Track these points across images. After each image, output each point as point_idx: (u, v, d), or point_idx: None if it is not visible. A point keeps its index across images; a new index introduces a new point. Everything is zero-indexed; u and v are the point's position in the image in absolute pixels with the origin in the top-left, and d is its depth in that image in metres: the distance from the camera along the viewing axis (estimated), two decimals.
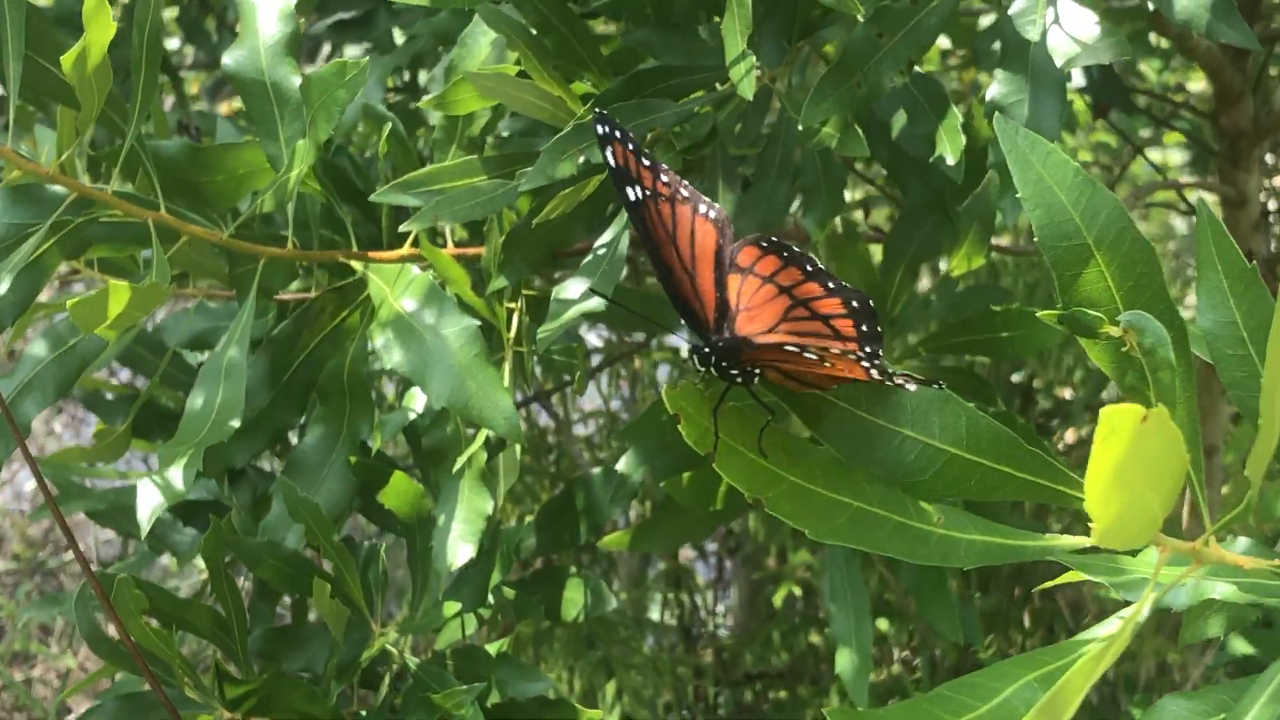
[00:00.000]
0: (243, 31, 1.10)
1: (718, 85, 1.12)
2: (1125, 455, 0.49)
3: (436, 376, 1.07)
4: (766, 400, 0.70)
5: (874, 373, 0.62)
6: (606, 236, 1.12)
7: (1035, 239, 0.63)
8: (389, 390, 1.88)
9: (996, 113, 0.65)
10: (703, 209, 0.76)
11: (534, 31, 1.09)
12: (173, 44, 2.26)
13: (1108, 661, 0.54)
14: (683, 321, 0.75)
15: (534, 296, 1.24)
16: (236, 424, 1.04)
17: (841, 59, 1.02)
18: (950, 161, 1.06)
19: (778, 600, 2.16)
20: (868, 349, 0.69)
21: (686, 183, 0.76)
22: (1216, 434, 1.57)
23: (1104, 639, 0.56)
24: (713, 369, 0.69)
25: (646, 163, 0.74)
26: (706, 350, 0.69)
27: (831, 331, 0.71)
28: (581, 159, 1.07)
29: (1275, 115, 1.45)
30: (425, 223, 1.11)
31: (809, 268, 0.73)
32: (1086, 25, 0.98)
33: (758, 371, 0.69)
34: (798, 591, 2.18)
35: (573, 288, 1.10)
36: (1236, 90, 1.41)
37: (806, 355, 0.62)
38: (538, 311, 1.23)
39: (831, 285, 0.72)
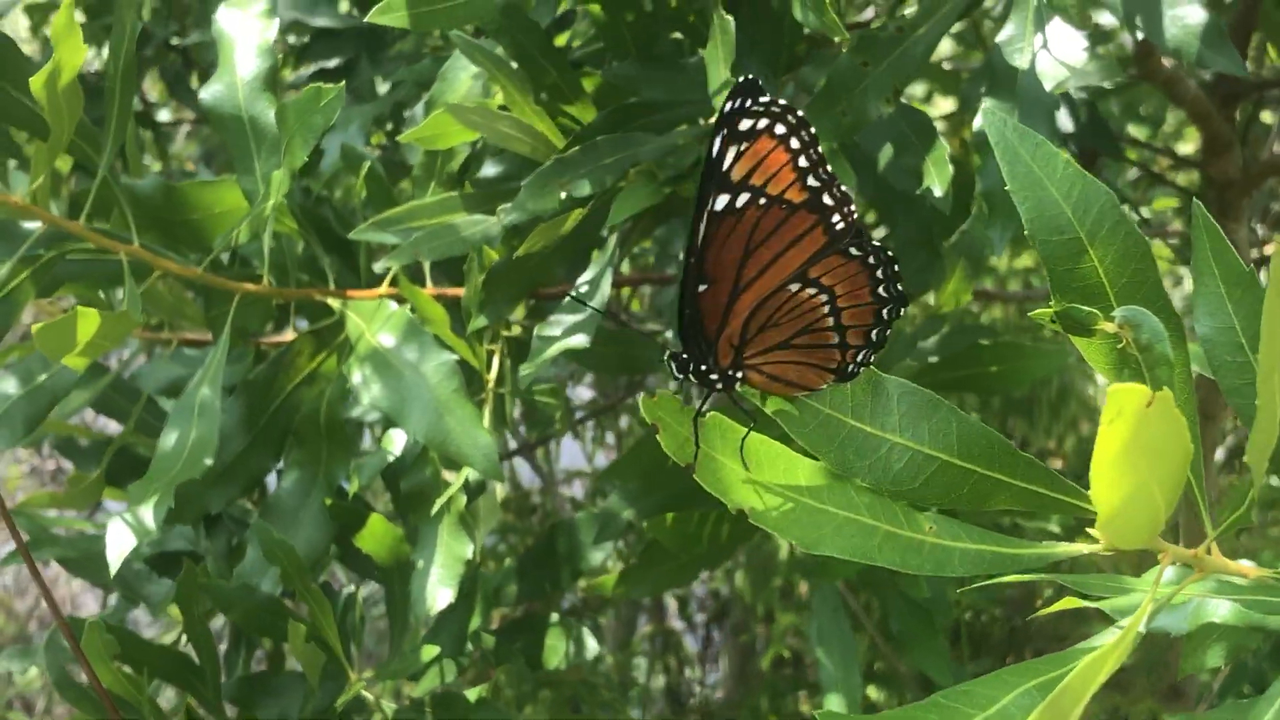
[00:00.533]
0: (220, 66, 1.09)
1: (701, 120, 1.10)
2: (1130, 439, 0.47)
3: (415, 412, 1.04)
4: (749, 407, 0.66)
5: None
6: (589, 274, 1.10)
7: (1026, 232, 0.60)
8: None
9: (984, 103, 0.62)
10: (835, 219, 0.65)
11: (514, 64, 1.07)
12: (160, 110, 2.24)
13: (1110, 666, 0.51)
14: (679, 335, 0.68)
15: (514, 339, 1.22)
16: (209, 462, 1.01)
17: (826, 86, 1.00)
18: (938, 193, 1.04)
19: (765, 662, 2.12)
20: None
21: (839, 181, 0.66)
22: (1213, 487, 1.54)
23: (1106, 646, 0.53)
24: (691, 376, 0.66)
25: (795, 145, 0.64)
26: (684, 355, 0.66)
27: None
28: (564, 194, 1.05)
29: (1264, 164, 1.43)
30: (404, 259, 1.09)
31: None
32: (1075, 49, 0.96)
33: (739, 376, 0.66)
34: (786, 654, 2.14)
35: (555, 325, 1.08)
36: (1224, 139, 1.39)
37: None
38: (519, 354, 1.21)
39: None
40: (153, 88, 2.30)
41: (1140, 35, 0.98)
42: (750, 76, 0.64)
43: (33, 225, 1.04)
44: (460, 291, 1.17)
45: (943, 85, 1.66)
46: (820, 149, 0.64)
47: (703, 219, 0.65)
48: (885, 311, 0.65)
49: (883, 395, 0.63)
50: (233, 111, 1.08)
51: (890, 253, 0.64)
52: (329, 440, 1.17)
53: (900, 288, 0.65)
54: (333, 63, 1.59)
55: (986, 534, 0.63)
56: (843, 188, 0.65)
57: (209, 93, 1.08)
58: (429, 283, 1.21)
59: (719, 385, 0.66)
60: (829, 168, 0.64)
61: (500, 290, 1.14)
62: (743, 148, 0.64)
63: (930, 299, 1.28)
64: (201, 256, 1.13)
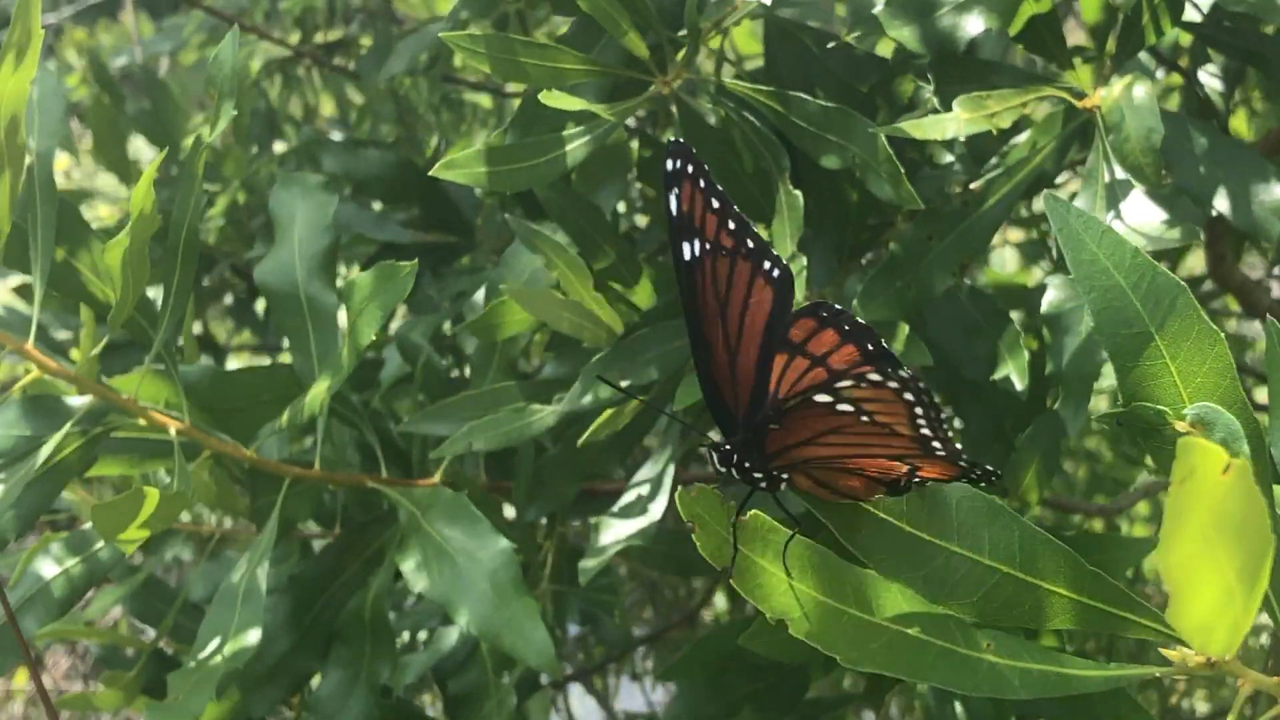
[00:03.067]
0: (277, 243, 1.09)
1: None
2: (1203, 506, 0.44)
3: (468, 602, 1.01)
4: (794, 509, 0.63)
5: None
6: (648, 471, 1.08)
7: (1093, 326, 0.58)
8: None
9: (1046, 192, 0.60)
10: (766, 265, 0.67)
11: (575, 250, 1.06)
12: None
13: None
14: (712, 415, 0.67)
15: (567, 535, 1.19)
16: (252, 650, 0.97)
17: (890, 259, 0.99)
18: (1018, 385, 1.02)
19: None
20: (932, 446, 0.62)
21: (755, 232, 0.67)
22: None
23: None
24: (734, 470, 0.63)
25: (716, 205, 0.66)
26: (727, 448, 0.63)
27: (884, 427, 0.63)
28: (625, 382, 1.03)
29: None
30: (456, 449, 1.08)
31: (870, 347, 0.65)
32: (1151, 215, 0.94)
33: (785, 476, 0.63)
34: None
35: (615, 522, 1.05)
36: None
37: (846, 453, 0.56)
38: (571, 554, 1.18)
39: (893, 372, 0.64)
40: (217, 328, 2.31)
41: (1216, 213, 0.96)
42: (678, 140, 0.66)
43: (78, 400, 1.03)
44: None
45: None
46: (722, 190, 0.66)
47: (690, 278, 0.65)
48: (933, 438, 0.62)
49: (939, 500, 0.60)
50: (289, 290, 1.08)
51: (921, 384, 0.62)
52: (373, 637, 1.14)
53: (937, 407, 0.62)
54: None
55: (1051, 653, 0.59)
56: (758, 234, 0.66)
57: (264, 269, 1.08)
58: (483, 475, 1.19)
59: (763, 484, 0.63)
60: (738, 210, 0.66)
61: (553, 483, 1.12)
62: (676, 191, 0.65)
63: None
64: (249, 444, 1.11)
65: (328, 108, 2.20)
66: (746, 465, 0.63)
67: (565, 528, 1.21)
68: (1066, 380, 0.96)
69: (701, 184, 0.66)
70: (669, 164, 0.66)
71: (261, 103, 1.84)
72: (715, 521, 0.59)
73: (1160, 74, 1.48)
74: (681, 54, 1.03)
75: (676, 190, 0.65)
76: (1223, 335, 0.58)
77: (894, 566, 0.60)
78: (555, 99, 0.93)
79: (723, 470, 0.63)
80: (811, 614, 0.58)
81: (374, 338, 1.00)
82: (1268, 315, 1.25)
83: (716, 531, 0.59)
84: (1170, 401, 0.59)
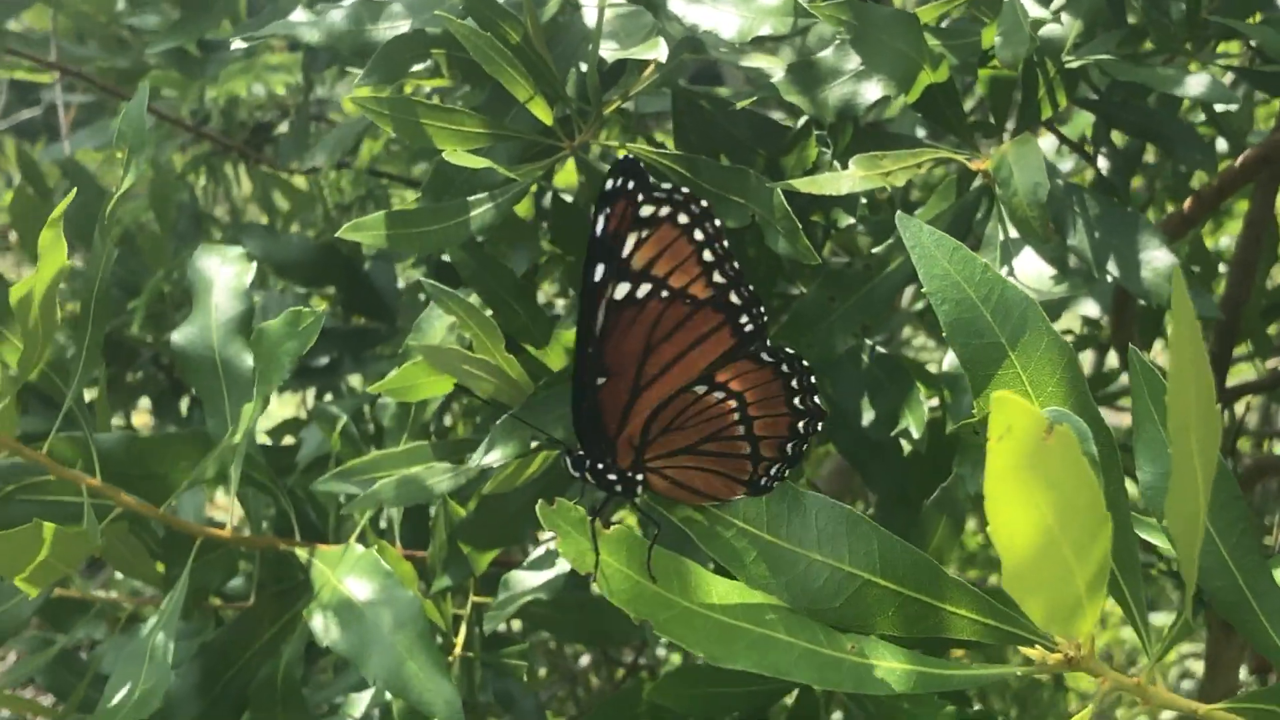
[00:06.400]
0: (194, 310, 1.11)
1: None
2: (1024, 463, 0.46)
3: (375, 655, 1.02)
4: (655, 514, 0.65)
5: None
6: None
7: (944, 335, 0.60)
8: None
9: (899, 212, 0.63)
10: (742, 320, 0.65)
11: (487, 311, 1.09)
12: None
13: None
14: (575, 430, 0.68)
15: (482, 603, 1.20)
16: (156, 704, 0.98)
17: (792, 319, 1.03)
18: (914, 434, 1.05)
19: None
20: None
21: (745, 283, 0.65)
22: None
23: None
24: (589, 476, 0.65)
25: (699, 238, 0.64)
26: (581, 454, 0.65)
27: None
28: (534, 443, 1.05)
29: (1249, 468, 1.43)
30: (367, 506, 1.10)
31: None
32: (1041, 270, 0.97)
33: (640, 479, 0.65)
34: None
35: (520, 580, 1.07)
36: None
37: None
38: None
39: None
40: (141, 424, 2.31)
41: (1110, 278, 0.99)
42: (631, 156, 0.64)
43: None
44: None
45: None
46: (726, 242, 0.64)
47: (593, 301, 0.65)
48: (801, 424, 0.64)
49: (800, 510, 0.63)
50: (205, 354, 1.09)
51: (806, 362, 0.64)
52: (285, 705, 1.15)
53: (817, 400, 0.64)
54: (322, 361, 1.62)
55: (912, 654, 0.61)
56: (750, 287, 0.65)
57: (181, 335, 1.10)
58: (398, 544, 1.20)
59: (618, 489, 0.65)
60: (736, 263, 0.64)
61: (467, 547, 1.13)
62: (644, 235, 0.64)
63: None
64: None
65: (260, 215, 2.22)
66: (600, 468, 0.65)
67: (480, 598, 1.22)
68: (965, 437, 0.99)
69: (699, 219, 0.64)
70: (610, 183, 0.64)
71: (186, 196, 1.86)
72: (575, 530, 0.61)
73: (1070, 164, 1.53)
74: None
75: (610, 209, 0.64)
76: (1073, 348, 0.61)
77: (755, 574, 0.62)
78: (459, 156, 0.96)
79: (576, 475, 0.65)
80: (676, 617, 0.60)
81: (282, 381, 1.01)
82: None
83: (577, 540, 0.61)
84: None
